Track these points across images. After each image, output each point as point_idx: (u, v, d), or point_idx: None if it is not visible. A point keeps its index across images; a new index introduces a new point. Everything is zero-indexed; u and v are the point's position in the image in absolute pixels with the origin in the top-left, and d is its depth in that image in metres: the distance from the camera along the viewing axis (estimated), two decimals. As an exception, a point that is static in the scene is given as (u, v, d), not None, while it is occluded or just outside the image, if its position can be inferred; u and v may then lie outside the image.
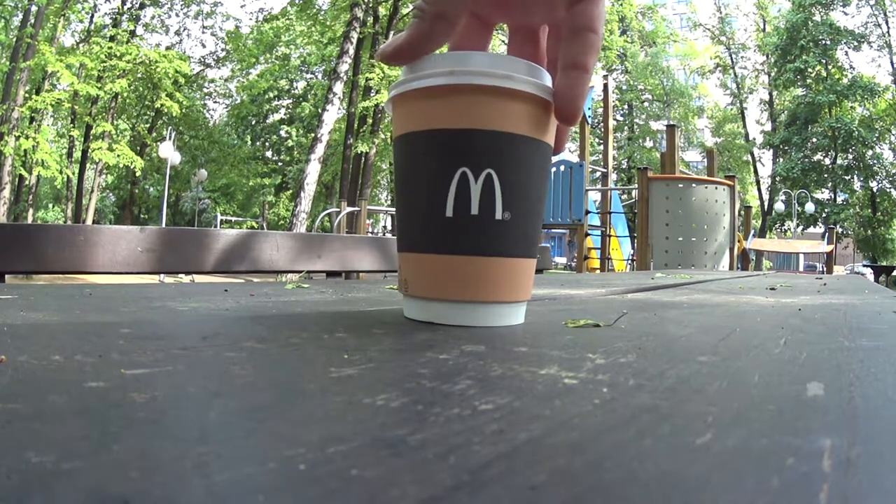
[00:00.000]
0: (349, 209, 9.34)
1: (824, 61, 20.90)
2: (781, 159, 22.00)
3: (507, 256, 0.38)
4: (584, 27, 0.38)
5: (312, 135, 11.34)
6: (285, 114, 23.49)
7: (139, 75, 16.28)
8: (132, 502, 0.11)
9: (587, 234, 7.13)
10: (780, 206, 21.34)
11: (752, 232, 9.37)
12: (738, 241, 6.07)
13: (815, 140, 20.96)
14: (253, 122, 23.58)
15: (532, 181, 0.38)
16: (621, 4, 17.73)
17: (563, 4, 0.39)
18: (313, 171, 9.85)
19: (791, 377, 0.25)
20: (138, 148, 17.86)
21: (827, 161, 21.32)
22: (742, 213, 9.11)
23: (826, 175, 21.06)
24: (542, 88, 0.37)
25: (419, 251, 0.38)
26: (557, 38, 0.42)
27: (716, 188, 5.14)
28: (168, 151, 12.68)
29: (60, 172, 15.49)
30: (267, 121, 23.82)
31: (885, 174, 20.81)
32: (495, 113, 0.36)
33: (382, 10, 13.82)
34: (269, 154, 24.12)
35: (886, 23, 20.83)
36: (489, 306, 0.38)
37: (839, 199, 21.77)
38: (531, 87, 0.37)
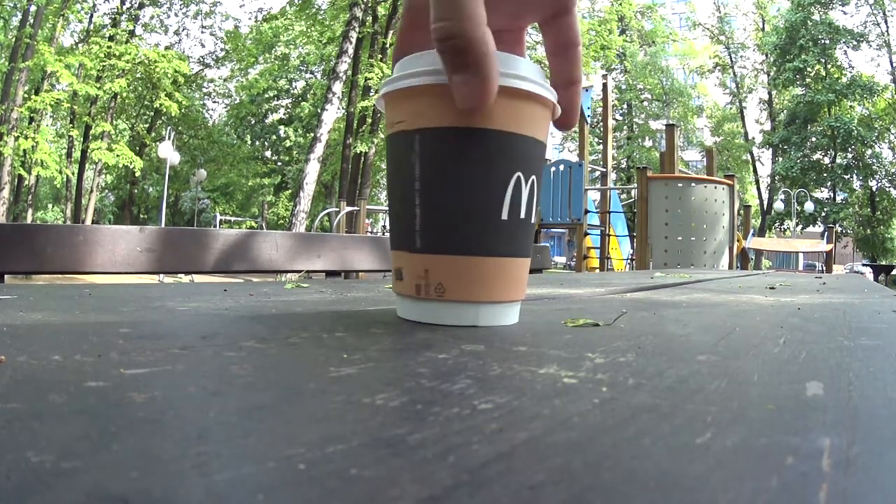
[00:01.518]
0: (348, 209, 9.34)
1: (823, 60, 20.90)
2: (781, 158, 22.00)
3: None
4: (571, 42, 0.40)
5: (311, 134, 11.33)
6: (284, 113, 23.46)
7: (138, 75, 16.27)
8: (132, 502, 0.11)
9: (586, 234, 7.13)
10: (779, 205, 21.35)
11: (752, 231, 9.38)
12: (738, 241, 6.08)
13: (814, 139, 20.97)
14: (252, 122, 23.57)
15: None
16: (620, 4, 17.67)
17: (534, 15, 0.40)
18: (312, 170, 9.85)
19: (790, 376, 0.25)
20: (137, 148, 17.85)
21: (826, 160, 21.32)
22: (741, 212, 9.12)
23: (825, 174, 21.06)
24: (546, 90, 0.37)
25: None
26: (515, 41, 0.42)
27: (715, 187, 5.15)
28: (167, 151, 12.68)
29: (60, 172, 15.50)
30: (266, 120, 23.80)
31: (884, 173, 20.82)
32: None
33: (381, 10, 13.79)
34: (268, 154, 24.11)
35: (885, 22, 20.83)
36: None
37: (838, 199, 21.78)
38: (539, 89, 0.37)
